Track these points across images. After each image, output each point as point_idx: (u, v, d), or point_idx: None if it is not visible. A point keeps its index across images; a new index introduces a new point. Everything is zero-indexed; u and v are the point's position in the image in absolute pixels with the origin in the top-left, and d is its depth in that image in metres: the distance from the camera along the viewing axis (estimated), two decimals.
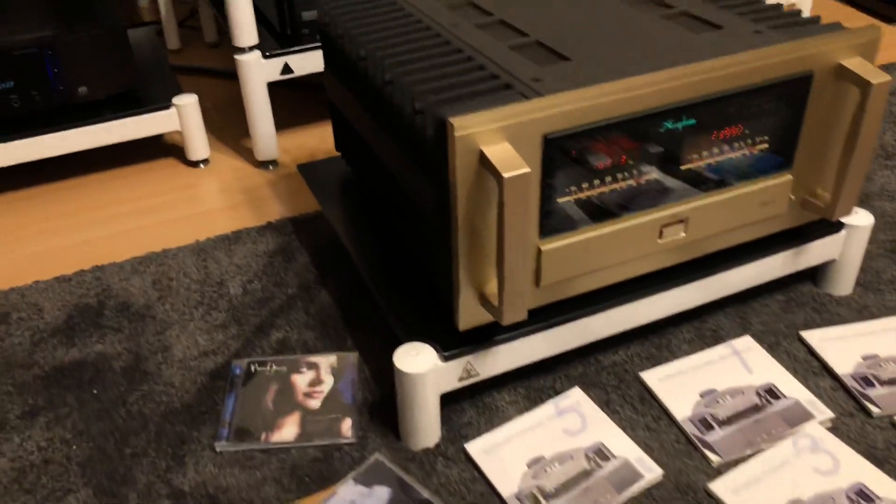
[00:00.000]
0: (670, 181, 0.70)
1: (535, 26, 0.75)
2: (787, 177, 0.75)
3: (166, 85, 1.20)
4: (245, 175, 1.18)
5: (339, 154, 1.01)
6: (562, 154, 0.63)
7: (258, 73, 1.11)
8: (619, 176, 0.67)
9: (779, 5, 0.79)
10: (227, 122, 1.34)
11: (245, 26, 1.07)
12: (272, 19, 1.19)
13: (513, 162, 0.58)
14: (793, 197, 0.77)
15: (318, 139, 1.28)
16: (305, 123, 1.33)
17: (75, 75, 1.07)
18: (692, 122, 0.68)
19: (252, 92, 1.13)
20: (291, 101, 1.40)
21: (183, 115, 1.15)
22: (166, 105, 1.14)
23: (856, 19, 1.64)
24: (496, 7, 0.81)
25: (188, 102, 1.14)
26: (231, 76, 1.52)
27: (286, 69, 1.14)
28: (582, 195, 0.67)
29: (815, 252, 0.83)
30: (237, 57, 1.10)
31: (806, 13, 1.58)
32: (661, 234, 0.72)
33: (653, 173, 0.69)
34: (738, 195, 0.74)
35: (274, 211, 1.08)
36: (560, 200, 0.66)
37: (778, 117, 0.72)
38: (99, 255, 1.00)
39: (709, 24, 0.74)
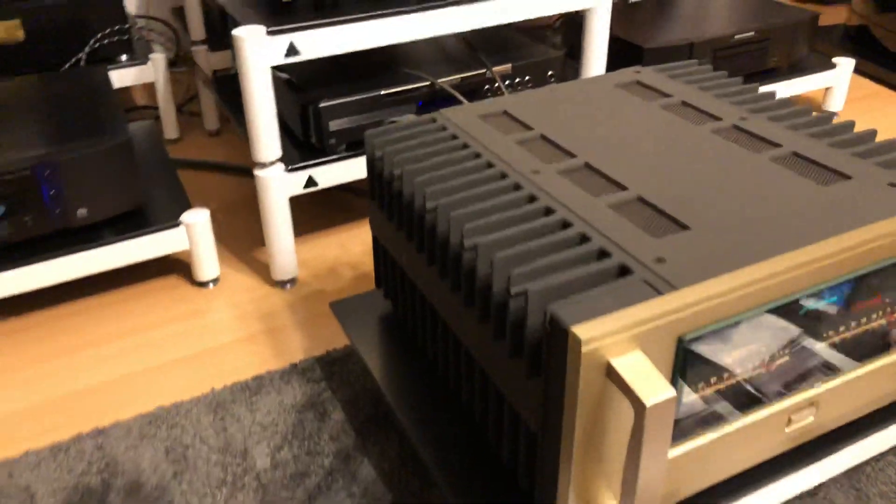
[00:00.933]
0: (804, 364, 0.59)
1: (630, 174, 0.64)
2: None
3: (172, 196, 1.07)
4: (260, 296, 1.06)
5: (371, 286, 0.89)
6: (694, 353, 0.52)
7: (280, 188, 1.00)
8: (751, 365, 0.56)
9: (893, 142, 0.69)
10: (236, 228, 1.22)
11: (268, 140, 0.96)
12: (294, 127, 1.08)
13: (653, 383, 0.46)
14: None
15: (337, 248, 1.16)
16: (320, 229, 1.21)
17: (74, 196, 0.94)
18: (834, 299, 0.57)
19: (272, 208, 1.01)
20: (303, 204, 1.29)
21: (193, 235, 1.03)
22: (174, 223, 1.01)
23: (889, 99, 1.56)
24: (573, 143, 0.70)
25: (199, 221, 1.02)
26: (239, 171, 1.40)
27: (310, 182, 1.03)
28: (709, 392, 0.55)
29: None
30: (257, 172, 0.98)
31: (840, 100, 1.51)
32: (789, 422, 0.61)
33: (786, 357, 0.58)
34: (872, 370, 0.63)
35: (297, 345, 0.95)
36: (686, 401, 0.54)
37: None
38: (100, 409, 0.86)
39: (834, 173, 0.64)
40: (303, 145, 1.06)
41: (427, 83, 1.05)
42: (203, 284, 1.08)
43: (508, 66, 1.10)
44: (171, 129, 1.50)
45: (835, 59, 1.48)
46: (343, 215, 1.25)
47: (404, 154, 0.70)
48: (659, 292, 0.49)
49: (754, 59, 1.38)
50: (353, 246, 1.17)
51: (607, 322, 0.47)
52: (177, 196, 1.08)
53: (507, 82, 1.10)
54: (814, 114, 0.75)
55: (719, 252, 0.54)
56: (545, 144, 0.71)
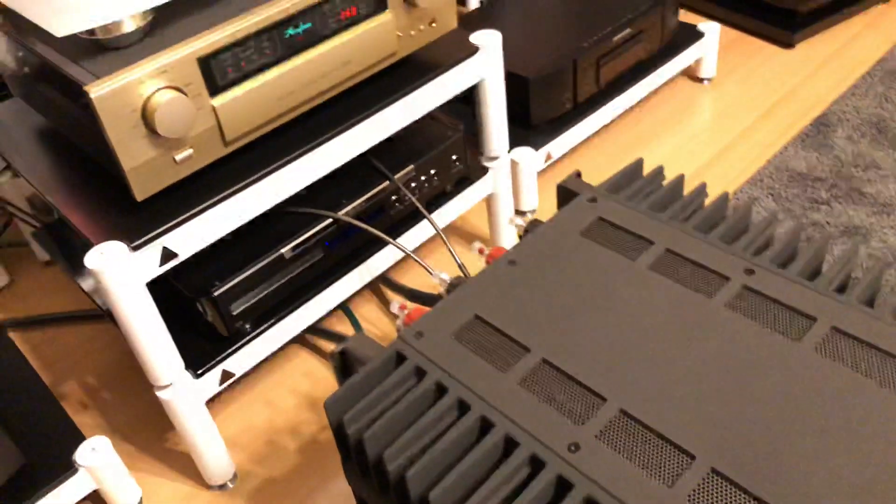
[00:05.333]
0: None
1: (690, 426, 0.54)
2: None
3: (53, 427, 0.86)
4: None
5: (324, 453, 0.75)
6: None
7: (194, 401, 0.82)
8: None
9: None
10: (127, 407, 1.02)
11: (164, 362, 0.77)
12: (183, 316, 0.88)
13: None
14: None
15: (262, 406, 1.00)
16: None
17: None
18: None
19: (190, 424, 0.83)
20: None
21: (98, 475, 0.83)
22: (69, 469, 0.80)
23: (751, 45, 1.52)
24: (590, 371, 0.58)
25: (101, 459, 0.82)
26: (98, 317, 1.17)
27: (226, 376, 0.86)
28: None
29: None
30: (161, 395, 0.80)
31: (712, 67, 1.47)
32: None
33: None
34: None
35: None
36: None
37: None
38: None
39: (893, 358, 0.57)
40: (203, 335, 0.88)
41: (329, 220, 0.89)
42: None
43: (410, 167, 0.95)
44: None
45: (700, 27, 1.41)
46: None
47: (400, 434, 0.56)
48: None
49: (632, 54, 1.29)
50: (277, 397, 1.01)
51: None
52: (59, 425, 0.86)
53: (413, 185, 0.95)
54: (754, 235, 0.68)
55: None
56: (555, 377, 0.59)
